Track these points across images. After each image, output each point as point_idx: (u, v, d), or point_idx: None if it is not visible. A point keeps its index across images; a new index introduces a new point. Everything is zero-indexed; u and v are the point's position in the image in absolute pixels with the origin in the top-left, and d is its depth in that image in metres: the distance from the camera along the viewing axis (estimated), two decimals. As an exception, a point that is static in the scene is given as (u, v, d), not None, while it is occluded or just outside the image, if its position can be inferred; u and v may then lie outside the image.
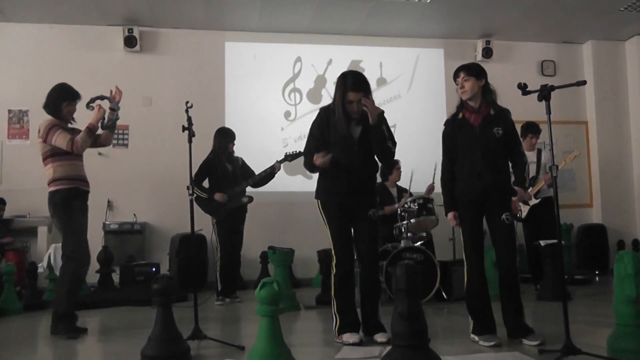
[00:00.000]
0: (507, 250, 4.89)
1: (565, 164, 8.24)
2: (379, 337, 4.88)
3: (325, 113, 5.10)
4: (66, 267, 5.65)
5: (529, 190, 8.07)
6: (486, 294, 4.93)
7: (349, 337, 4.85)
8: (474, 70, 4.95)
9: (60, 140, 5.62)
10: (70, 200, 5.67)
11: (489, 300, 4.93)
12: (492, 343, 4.66)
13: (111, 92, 5.90)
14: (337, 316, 4.99)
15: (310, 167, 5.12)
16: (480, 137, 4.86)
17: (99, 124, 5.83)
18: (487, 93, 4.99)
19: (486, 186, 4.82)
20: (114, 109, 6.01)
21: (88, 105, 5.94)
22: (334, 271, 5.03)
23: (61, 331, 5.49)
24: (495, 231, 4.90)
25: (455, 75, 5.02)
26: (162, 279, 4.29)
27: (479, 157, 4.83)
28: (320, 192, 5.18)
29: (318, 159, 4.93)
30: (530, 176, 8.13)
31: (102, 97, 6.05)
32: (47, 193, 5.71)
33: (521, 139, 8.20)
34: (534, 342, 4.61)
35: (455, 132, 4.99)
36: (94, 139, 5.89)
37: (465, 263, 4.95)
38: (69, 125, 5.94)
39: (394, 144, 5.12)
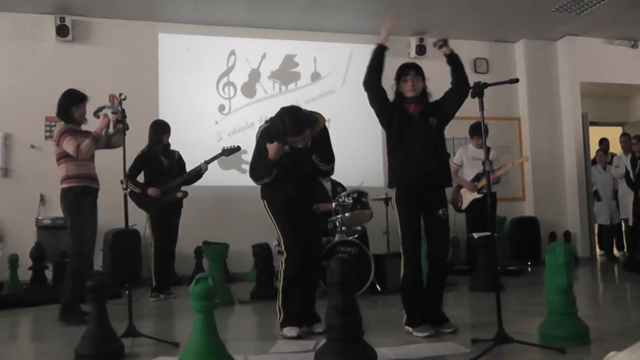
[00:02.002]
0: (441, 245, 5.07)
1: (511, 167, 8.51)
2: (317, 328, 5.01)
3: (267, 133, 5.07)
4: (71, 262, 6.10)
5: (476, 184, 8.30)
6: (421, 286, 5.04)
7: (288, 331, 4.92)
8: (421, 71, 5.20)
9: (68, 146, 6.02)
10: (81, 198, 6.11)
11: (423, 292, 5.04)
12: (426, 334, 4.77)
13: (110, 97, 5.91)
14: (282, 310, 5.05)
15: (260, 174, 5.11)
16: (419, 126, 5.06)
17: (104, 132, 6.21)
18: (425, 92, 5.21)
19: (428, 174, 4.98)
20: (116, 113, 6.03)
21: (95, 114, 6.26)
22: (284, 266, 5.07)
23: (71, 319, 5.84)
24: (431, 226, 5.06)
25: (404, 72, 5.16)
26: (96, 276, 4.26)
27: (419, 144, 5.00)
28: (265, 192, 5.23)
29: (272, 150, 4.90)
30: (477, 172, 8.33)
31: (104, 107, 6.21)
32: (60, 190, 6.14)
33: (470, 137, 8.45)
34: (449, 330, 4.89)
35: (394, 111, 5.12)
36: (106, 142, 6.36)
37: (402, 256, 5.02)
38: (82, 126, 6.39)
39: (333, 159, 5.24)
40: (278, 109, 5.00)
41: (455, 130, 9.03)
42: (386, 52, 5.10)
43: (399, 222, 5.02)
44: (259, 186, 5.26)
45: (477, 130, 8.48)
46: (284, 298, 5.05)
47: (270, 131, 5.02)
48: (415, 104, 5.10)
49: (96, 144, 6.15)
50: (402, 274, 5.02)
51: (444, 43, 5.19)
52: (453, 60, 5.19)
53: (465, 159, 8.62)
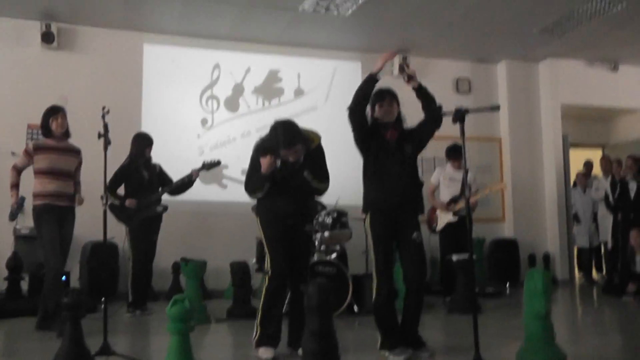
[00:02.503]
0: (416, 268, 5.06)
1: (488, 192, 8.52)
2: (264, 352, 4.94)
3: (262, 148, 5.08)
4: (45, 276, 6.40)
5: (451, 206, 8.31)
6: (395, 309, 5.05)
7: (263, 352, 4.89)
8: (396, 96, 5.25)
9: (18, 160, 6.63)
10: (42, 215, 6.37)
11: (396, 315, 5.05)
12: (402, 357, 4.77)
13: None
14: (259, 327, 5.01)
15: (254, 187, 5.10)
16: (395, 152, 5.11)
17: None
18: (400, 119, 5.26)
19: (401, 200, 5.05)
20: None
21: None
22: (267, 284, 5.03)
23: (53, 327, 5.99)
24: (406, 250, 5.08)
25: (380, 98, 5.20)
26: (72, 293, 4.21)
27: (395, 171, 5.06)
28: (260, 210, 5.21)
29: (265, 164, 4.91)
30: (453, 195, 8.35)
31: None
32: None
33: (446, 159, 8.47)
34: (425, 354, 4.90)
35: (372, 137, 5.15)
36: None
37: (375, 278, 5.03)
38: (67, 139, 6.77)
39: (327, 178, 5.27)
40: (263, 123, 5.03)
41: (438, 150, 9.07)
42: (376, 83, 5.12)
43: (372, 246, 5.05)
44: (242, 203, 5.25)
45: (454, 153, 8.53)
46: (263, 315, 5.01)
47: (265, 145, 5.04)
48: (391, 129, 5.15)
49: (14, 175, 6.53)
50: (374, 296, 5.03)
51: (408, 78, 5.21)
52: (421, 93, 5.19)
53: (442, 179, 8.65)
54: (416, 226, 5.12)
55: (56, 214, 6.42)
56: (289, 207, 5.09)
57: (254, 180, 5.08)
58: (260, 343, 4.96)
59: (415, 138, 5.21)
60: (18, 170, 6.55)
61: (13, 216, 6.95)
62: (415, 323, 5.07)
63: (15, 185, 6.52)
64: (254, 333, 5.03)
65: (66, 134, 6.71)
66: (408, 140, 5.18)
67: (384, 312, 5.00)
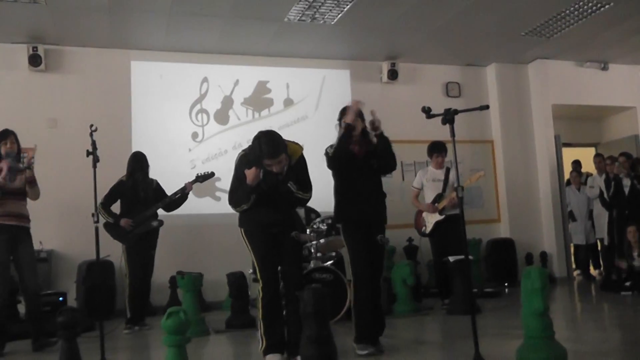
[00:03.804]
0: (377, 268, 5.58)
1: (469, 183, 8.46)
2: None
3: (246, 159, 5.11)
4: None
5: (436, 205, 8.27)
6: (372, 306, 5.39)
7: (271, 359, 4.88)
8: (361, 112, 5.62)
9: None
10: None
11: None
12: (366, 352, 5.10)
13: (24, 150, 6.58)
14: (263, 338, 5.00)
15: (239, 200, 5.09)
16: (362, 167, 5.58)
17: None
18: (366, 133, 5.65)
19: (371, 210, 5.59)
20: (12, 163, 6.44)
21: None
22: (261, 294, 5.03)
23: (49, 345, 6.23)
24: (371, 250, 5.50)
25: (343, 114, 5.64)
26: (67, 312, 4.20)
27: (361, 184, 5.59)
28: (243, 221, 5.21)
29: (250, 175, 4.92)
30: (437, 193, 8.32)
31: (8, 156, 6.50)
32: None
33: (428, 159, 8.46)
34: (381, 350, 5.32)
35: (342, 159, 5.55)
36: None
37: (355, 282, 5.40)
38: (18, 163, 6.57)
39: (310, 188, 5.32)
40: (254, 134, 5.03)
41: (418, 154, 9.05)
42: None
43: (350, 253, 5.42)
44: (235, 214, 5.23)
45: (436, 149, 8.50)
46: (265, 325, 4.99)
47: (248, 157, 5.05)
48: (359, 145, 5.57)
49: None
50: (354, 298, 5.36)
51: (372, 127, 5.60)
52: (382, 140, 5.61)
53: (425, 181, 8.56)
54: (381, 230, 5.64)
55: (8, 234, 6.34)
56: (273, 217, 5.11)
57: (239, 193, 5.07)
58: (267, 352, 4.96)
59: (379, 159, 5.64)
60: None
61: None
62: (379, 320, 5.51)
63: None
64: (260, 344, 5.02)
65: (17, 157, 6.63)
66: (374, 156, 5.60)
67: (366, 310, 5.31)
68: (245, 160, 5.09)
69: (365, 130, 5.65)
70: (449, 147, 7.88)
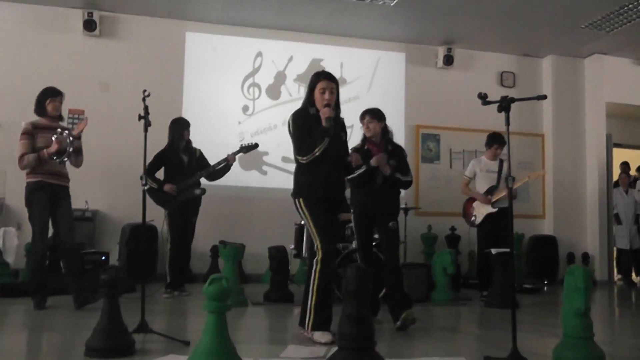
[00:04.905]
0: (392, 250, 5.88)
1: (528, 180, 8.40)
2: (322, 337, 4.88)
3: (296, 116, 5.21)
4: (30, 256, 6.64)
5: (489, 197, 8.20)
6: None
7: (320, 337, 4.85)
8: (377, 115, 6.03)
9: (19, 148, 6.37)
10: (34, 193, 6.37)
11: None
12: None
13: (73, 126, 6.47)
14: (313, 311, 4.93)
15: (312, 144, 5.04)
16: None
17: (54, 156, 6.36)
18: (385, 133, 6.09)
19: (380, 204, 5.86)
20: (62, 138, 6.43)
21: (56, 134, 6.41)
22: (319, 266, 4.97)
23: (34, 305, 6.32)
24: (383, 235, 5.90)
25: (362, 117, 6.09)
26: (110, 270, 4.23)
27: (377, 182, 5.80)
28: (300, 190, 5.17)
29: (325, 112, 5.01)
30: (490, 185, 8.24)
31: (65, 130, 6.52)
32: None
33: (485, 148, 8.39)
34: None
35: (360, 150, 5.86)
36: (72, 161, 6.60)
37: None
38: (59, 122, 6.65)
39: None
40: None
41: (467, 142, 8.97)
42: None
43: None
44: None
45: (495, 140, 8.39)
46: (318, 300, 4.94)
47: (302, 108, 5.21)
48: (377, 147, 5.97)
49: (40, 162, 6.33)
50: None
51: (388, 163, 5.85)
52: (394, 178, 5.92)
53: (478, 171, 8.44)
54: (393, 217, 5.92)
55: (49, 193, 6.43)
56: (327, 182, 5.11)
57: (312, 138, 5.04)
58: (315, 327, 4.91)
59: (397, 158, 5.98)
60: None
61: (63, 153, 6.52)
62: (403, 295, 5.79)
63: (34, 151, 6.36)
64: (307, 317, 4.96)
65: (59, 118, 6.71)
66: (391, 156, 5.89)
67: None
68: (297, 116, 5.20)
69: (386, 129, 6.08)
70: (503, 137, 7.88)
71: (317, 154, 5.02)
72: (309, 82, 5.22)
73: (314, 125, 5.06)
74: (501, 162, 8.30)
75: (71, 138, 6.41)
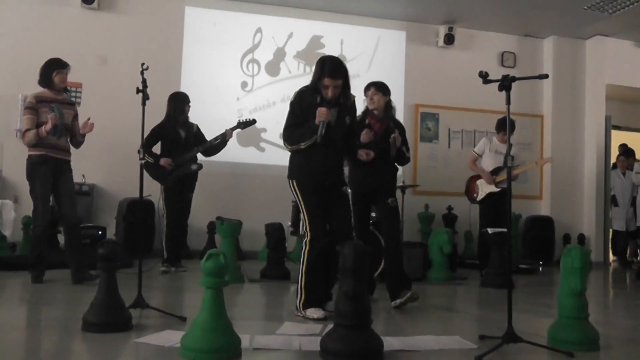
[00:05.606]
0: (392, 226, 5.87)
1: (534, 166, 8.43)
2: (329, 306, 4.92)
3: (301, 96, 5.13)
4: (33, 229, 6.49)
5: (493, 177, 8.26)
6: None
7: (313, 312, 4.90)
8: (382, 88, 5.99)
9: (22, 123, 6.42)
10: (37, 166, 6.37)
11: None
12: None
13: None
14: (303, 291, 4.99)
15: (300, 137, 5.04)
16: (380, 141, 5.78)
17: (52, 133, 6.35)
18: (389, 108, 6.02)
19: (378, 183, 5.86)
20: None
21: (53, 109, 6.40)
22: (307, 247, 5.02)
23: (32, 278, 6.34)
24: (383, 212, 5.92)
25: (366, 89, 6.03)
26: (107, 244, 4.23)
27: (376, 157, 5.64)
28: (294, 172, 5.16)
29: (322, 112, 4.92)
30: (497, 166, 8.27)
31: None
32: None
33: (495, 132, 8.44)
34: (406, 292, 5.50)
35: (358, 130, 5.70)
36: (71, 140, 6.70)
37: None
38: (64, 94, 6.73)
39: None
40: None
41: (467, 122, 8.94)
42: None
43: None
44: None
45: (505, 126, 8.40)
46: (307, 280, 4.99)
47: (305, 93, 5.11)
48: (379, 122, 5.93)
49: (39, 139, 6.29)
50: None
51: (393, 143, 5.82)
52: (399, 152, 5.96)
53: (488, 150, 8.49)
54: (391, 194, 5.92)
55: (52, 167, 6.42)
56: (322, 166, 5.06)
57: (298, 130, 5.04)
58: (307, 305, 4.95)
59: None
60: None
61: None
62: (401, 274, 5.78)
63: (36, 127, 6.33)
64: (298, 297, 5.02)
65: (65, 90, 6.74)
66: (392, 132, 5.83)
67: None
68: (303, 96, 5.11)
69: (389, 105, 6.00)
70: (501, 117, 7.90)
71: (302, 147, 5.04)
72: (315, 67, 5.10)
73: (313, 112, 4.99)
74: (510, 145, 8.32)
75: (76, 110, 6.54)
